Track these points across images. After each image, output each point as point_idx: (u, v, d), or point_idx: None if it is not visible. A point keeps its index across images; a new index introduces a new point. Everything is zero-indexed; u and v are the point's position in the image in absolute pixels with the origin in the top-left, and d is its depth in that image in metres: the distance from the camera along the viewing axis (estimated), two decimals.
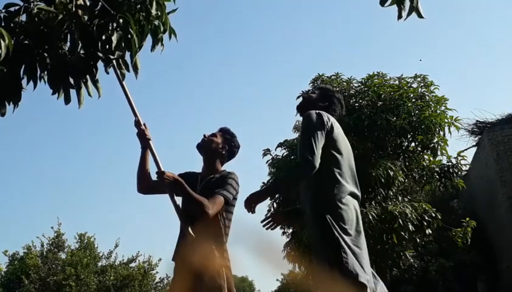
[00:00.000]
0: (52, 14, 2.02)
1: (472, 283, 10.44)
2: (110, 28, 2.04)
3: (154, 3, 2.09)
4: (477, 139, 12.05)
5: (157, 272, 14.05)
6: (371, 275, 2.22)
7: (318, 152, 2.27)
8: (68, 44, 2.13)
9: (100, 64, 2.17)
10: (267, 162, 8.79)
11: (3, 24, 1.98)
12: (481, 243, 10.32)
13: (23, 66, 2.06)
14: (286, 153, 8.64)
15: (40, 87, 2.14)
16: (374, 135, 7.68)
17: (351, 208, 2.30)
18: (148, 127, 2.69)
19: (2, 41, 1.76)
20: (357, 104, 8.02)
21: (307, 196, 2.35)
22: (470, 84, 43.45)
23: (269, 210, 8.49)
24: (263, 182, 8.52)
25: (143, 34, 2.11)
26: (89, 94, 2.21)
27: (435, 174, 8.02)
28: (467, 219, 7.90)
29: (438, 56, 45.71)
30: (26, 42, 2.02)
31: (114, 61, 2.22)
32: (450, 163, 8.09)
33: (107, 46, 2.07)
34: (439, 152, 7.86)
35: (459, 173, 8.29)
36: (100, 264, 13.69)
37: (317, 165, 2.23)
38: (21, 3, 2.01)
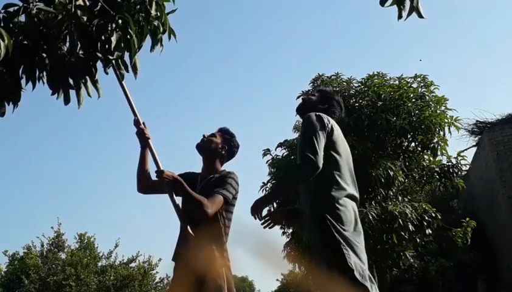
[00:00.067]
0: (51, 15, 2.02)
1: (472, 283, 10.44)
2: (109, 28, 2.04)
3: (154, 3, 2.09)
4: (477, 139, 12.05)
5: (157, 272, 14.07)
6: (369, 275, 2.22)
7: (321, 152, 2.27)
8: (67, 44, 2.13)
9: (99, 65, 2.17)
10: (267, 162, 8.79)
11: (2, 24, 1.98)
12: (481, 243, 10.32)
13: (22, 66, 2.06)
14: (286, 153, 8.63)
15: (40, 87, 2.14)
16: (374, 135, 7.68)
17: (349, 210, 2.30)
18: (147, 126, 2.69)
19: (1, 41, 1.76)
20: (357, 104, 8.02)
21: (307, 197, 2.35)
22: (470, 84, 43.49)
23: (268, 210, 8.48)
24: (263, 182, 8.54)
25: (143, 35, 2.10)
26: (89, 94, 2.21)
27: (435, 174, 8.02)
28: (467, 219, 7.90)
29: (438, 56, 45.75)
30: (25, 42, 2.02)
31: (113, 62, 2.21)
32: (450, 163, 8.09)
33: (106, 46, 2.07)
34: (439, 152, 7.86)
35: (459, 173, 8.29)
36: (100, 264, 13.69)
37: (320, 166, 2.23)
38: (20, 4, 2.01)
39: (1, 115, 2.10)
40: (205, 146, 2.80)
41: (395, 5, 1.84)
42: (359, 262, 2.17)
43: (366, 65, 56.83)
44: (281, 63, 65.94)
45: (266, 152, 8.79)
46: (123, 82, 2.46)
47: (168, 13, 2.20)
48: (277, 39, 67.25)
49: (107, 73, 2.24)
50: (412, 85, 8.09)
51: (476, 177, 12.16)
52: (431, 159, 8.01)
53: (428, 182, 8.23)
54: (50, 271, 12.53)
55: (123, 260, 13.82)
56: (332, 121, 2.47)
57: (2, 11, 2.00)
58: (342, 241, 2.17)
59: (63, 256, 13.25)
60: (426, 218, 7.22)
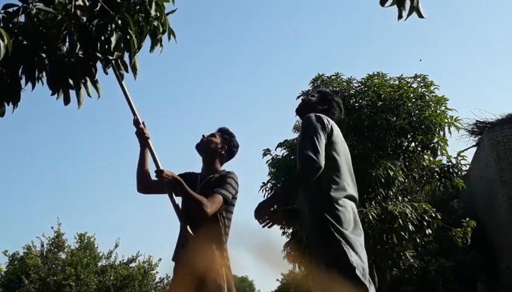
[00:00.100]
0: (51, 15, 2.02)
1: (472, 283, 10.44)
2: (109, 28, 2.04)
3: (153, 4, 2.09)
4: (477, 139, 12.05)
5: (157, 272, 14.07)
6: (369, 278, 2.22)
7: (323, 152, 2.27)
8: (67, 44, 2.13)
9: (99, 65, 2.18)
10: (267, 162, 8.78)
11: (2, 25, 1.98)
12: (481, 243, 10.32)
13: (21, 67, 2.06)
14: (286, 153, 8.63)
15: (40, 87, 2.14)
16: (374, 135, 7.67)
17: (348, 210, 2.30)
18: (146, 126, 2.69)
19: (1, 42, 1.76)
20: (357, 104, 8.01)
21: (306, 197, 2.35)
22: (470, 84, 43.50)
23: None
24: (263, 182, 8.53)
25: (142, 35, 2.11)
26: (89, 95, 2.21)
27: (435, 174, 8.02)
28: (467, 219, 7.90)
29: (438, 56, 45.75)
30: (25, 42, 2.02)
31: (113, 62, 2.22)
32: (450, 163, 8.09)
33: (106, 47, 2.07)
34: (439, 152, 7.86)
35: (459, 173, 8.29)
36: (100, 264, 13.69)
37: (323, 165, 2.24)
38: (20, 4, 2.01)
39: (1, 115, 2.10)
40: (204, 146, 2.80)
41: (395, 5, 1.84)
42: (359, 261, 2.18)
43: (366, 65, 56.88)
44: (281, 63, 65.98)
45: (266, 152, 8.78)
46: (122, 82, 2.46)
47: (167, 14, 2.20)
48: (277, 39, 67.31)
49: (106, 74, 2.25)
50: (412, 85, 8.08)
51: (476, 177, 12.15)
52: (431, 159, 8.01)
53: (428, 182, 8.23)
54: (50, 271, 12.53)
55: (123, 260, 13.84)
56: (332, 122, 2.48)
57: (2, 11, 2.00)
58: (342, 239, 2.17)
59: (63, 256, 13.25)
60: (426, 218, 7.21)
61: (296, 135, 8.62)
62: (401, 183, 7.70)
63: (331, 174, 2.32)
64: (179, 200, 2.60)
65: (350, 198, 2.38)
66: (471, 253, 10.63)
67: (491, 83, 39.25)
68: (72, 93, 2.19)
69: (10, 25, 2.00)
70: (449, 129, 7.73)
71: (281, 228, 8.84)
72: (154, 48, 2.20)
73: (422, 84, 8.07)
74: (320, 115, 2.45)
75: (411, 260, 8.76)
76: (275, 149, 8.76)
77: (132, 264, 13.77)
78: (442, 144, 7.84)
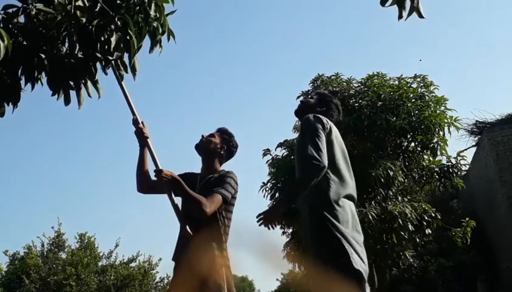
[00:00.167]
0: (51, 15, 2.03)
1: (472, 283, 10.44)
2: (109, 29, 2.05)
3: (153, 5, 2.09)
4: (476, 139, 12.05)
5: (157, 271, 14.10)
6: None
7: (325, 151, 2.28)
8: (66, 45, 2.14)
9: (98, 65, 2.18)
10: (267, 162, 8.78)
11: (1, 25, 1.98)
12: (480, 243, 10.32)
13: (21, 67, 2.07)
14: (286, 153, 8.63)
15: (40, 88, 2.15)
16: (374, 135, 7.67)
17: (346, 211, 2.31)
18: (146, 125, 2.70)
19: (1, 42, 1.77)
20: (356, 104, 8.01)
21: (305, 197, 2.36)
22: (470, 84, 43.50)
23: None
24: (263, 182, 8.53)
25: (141, 36, 2.11)
26: (89, 95, 2.22)
27: (435, 174, 8.02)
28: (467, 219, 7.90)
29: (438, 56, 45.76)
30: (24, 43, 2.02)
31: (113, 62, 2.22)
32: (449, 163, 8.09)
33: (106, 47, 2.07)
34: (438, 153, 7.86)
35: (459, 173, 8.29)
36: (100, 264, 13.71)
37: (326, 164, 2.24)
38: (20, 5, 2.02)
39: (1, 115, 2.11)
40: (203, 147, 2.81)
41: (395, 5, 1.84)
42: (360, 261, 2.18)
43: (366, 65, 56.88)
44: (281, 63, 66.01)
45: (266, 152, 8.78)
46: (122, 82, 2.47)
47: (167, 14, 2.21)
48: (277, 39, 67.32)
49: (106, 74, 2.25)
50: (412, 85, 8.08)
51: (476, 177, 12.16)
52: (431, 159, 8.01)
53: (428, 182, 8.23)
54: (50, 270, 12.54)
55: (123, 259, 13.86)
56: (331, 123, 2.49)
57: (2, 12, 2.01)
58: (342, 239, 2.18)
59: (63, 256, 13.27)
60: (426, 217, 7.21)
61: (296, 135, 8.62)
62: (401, 183, 7.71)
63: (330, 174, 2.33)
64: (178, 200, 2.61)
65: (349, 197, 2.39)
66: (471, 253, 10.63)
67: (491, 83, 39.28)
68: (72, 93, 2.19)
69: (10, 26, 2.00)
70: (449, 129, 7.74)
71: (281, 228, 8.84)
72: (153, 49, 2.20)
73: (422, 84, 8.07)
74: (319, 115, 2.46)
75: (411, 260, 8.76)
76: (275, 149, 8.76)
77: (133, 264, 13.80)
78: (442, 144, 7.84)
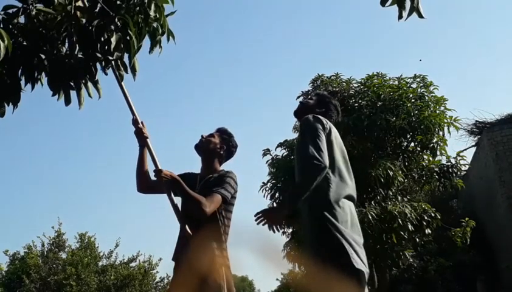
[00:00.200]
0: (51, 16, 2.03)
1: (472, 283, 10.44)
2: (109, 29, 2.05)
3: (153, 5, 2.10)
4: (476, 139, 12.05)
5: (157, 271, 14.11)
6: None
7: (325, 151, 2.28)
8: (66, 45, 2.14)
9: (98, 66, 2.19)
10: (267, 162, 8.78)
11: (2, 26, 1.99)
12: (480, 243, 10.32)
13: (21, 67, 2.08)
14: (285, 153, 8.64)
15: (40, 88, 2.15)
16: (374, 135, 7.68)
17: (346, 211, 2.31)
18: (145, 125, 2.70)
19: (1, 42, 1.77)
20: (356, 104, 8.00)
21: (305, 198, 2.36)
22: (470, 84, 43.51)
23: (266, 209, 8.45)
24: (263, 182, 8.53)
25: (141, 36, 2.11)
26: (89, 95, 2.22)
27: (435, 174, 8.02)
28: (467, 219, 7.90)
29: (438, 56, 45.77)
30: (24, 43, 2.03)
31: (113, 62, 2.23)
32: (449, 163, 8.09)
33: (106, 47, 2.08)
34: (438, 153, 7.86)
35: (458, 173, 8.29)
36: (100, 263, 13.72)
37: (327, 164, 2.24)
38: (20, 5, 2.02)
39: (1, 115, 2.11)
40: (203, 147, 2.81)
41: (395, 5, 1.84)
42: (360, 261, 2.19)
43: (366, 65, 56.89)
44: (281, 63, 66.03)
45: (266, 152, 8.78)
46: (122, 83, 2.47)
47: (167, 15, 2.21)
48: (277, 39, 67.33)
49: (106, 74, 2.25)
50: (412, 85, 8.09)
51: (475, 177, 12.16)
52: (430, 159, 8.01)
53: (427, 182, 8.23)
54: (50, 270, 12.55)
55: (123, 259, 13.87)
56: (330, 124, 2.50)
57: (2, 12, 2.01)
58: (342, 239, 2.19)
59: (64, 256, 13.27)
60: (425, 217, 7.22)
61: (296, 135, 8.62)
62: (401, 183, 7.71)
63: (329, 174, 2.33)
64: (178, 200, 2.61)
65: (349, 198, 2.39)
66: (470, 253, 10.63)
67: (491, 83, 39.26)
68: (73, 93, 2.20)
69: (10, 26, 2.01)
70: (448, 129, 7.74)
71: (281, 227, 8.84)
72: (153, 50, 2.21)
73: (421, 84, 8.07)
74: (318, 116, 2.47)
75: (411, 260, 8.77)
76: (275, 149, 8.77)
77: (133, 264, 13.80)
78: (441, 144, 7.84)
